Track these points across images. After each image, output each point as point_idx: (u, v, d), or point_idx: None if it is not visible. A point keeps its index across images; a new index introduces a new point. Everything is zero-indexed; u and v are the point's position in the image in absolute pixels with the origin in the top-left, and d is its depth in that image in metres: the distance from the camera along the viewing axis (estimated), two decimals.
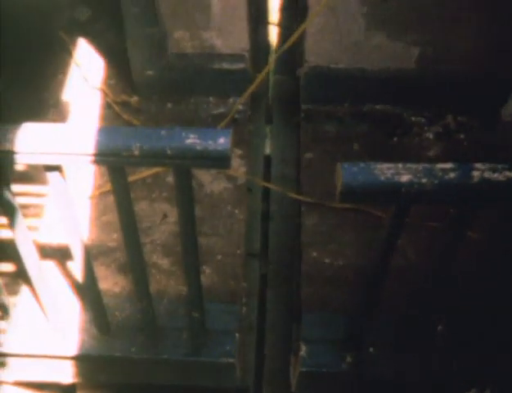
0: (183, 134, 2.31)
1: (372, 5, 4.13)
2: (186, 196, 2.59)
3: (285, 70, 5.11)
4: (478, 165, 2.36)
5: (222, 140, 2.27)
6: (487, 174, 2.32)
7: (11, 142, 2.42)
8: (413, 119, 4.68)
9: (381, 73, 4.48)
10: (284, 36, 5.30)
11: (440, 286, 2.90)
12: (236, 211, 4.23)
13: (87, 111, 4.76)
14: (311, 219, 4.16)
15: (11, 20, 5.06)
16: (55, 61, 5.11)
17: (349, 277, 3.83)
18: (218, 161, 2.33)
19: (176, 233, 3.86)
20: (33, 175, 4.14)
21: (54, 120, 4.69)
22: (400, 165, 2.36)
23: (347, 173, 2.31)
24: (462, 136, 4.62)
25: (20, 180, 4.07)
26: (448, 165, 2.36)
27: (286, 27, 5.35)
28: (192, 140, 2.29)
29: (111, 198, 2.72)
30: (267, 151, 4.83)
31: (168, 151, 2.32)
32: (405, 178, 2.29)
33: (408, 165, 2.36)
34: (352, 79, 4.52)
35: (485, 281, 3.56)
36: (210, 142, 2.28)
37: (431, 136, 4.61)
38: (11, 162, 2.50)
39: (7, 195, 2.69)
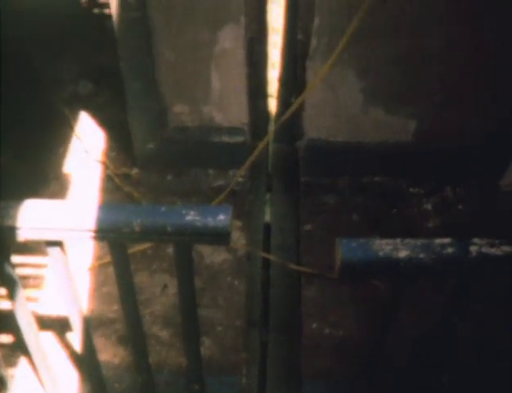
0: (183, 211, 2.33)
1: (370, 80, 4.19)
2: (186, 269, 2.60)
3: (284, 139, 5.15)
4: (476, 240, 2.37)
5: (221, 217, 2.29)
6: (484, 249, 2.33)
7: (14, 217, 2.43)
8: (412, 190, 4.72)
9: (379, 146, 4.53)
10: (283, 108, 5.37)
11: (439, 349, 2.90)
12: (236, 282, 4.24)
13: (88, 184, 4.80)
14: (310, 290, 4.17)
15: (13, 94, 5.15)
16: (56, 135, 5.18)
17: (349, 348, 3.82)
18: (218, 238, 2.34)
19: (175, 305, 3.85)
20: (33, 246, 4.15)
21: (55, 192, 4.74)
22: (398, 241, 2.37)
23: (346, 248, 2.32)
24: (461, 207, 4.65)
25: (20, 251, 4.09)
26: (446, 240, 2.37)
27: (285, 100, 5.43)
28: (192, 217, 2.31)
29: (111, 269, 2.73)
30: (267, 218, 4.85)
31: (169, 228, 2.34)
32: (403, 253, 2.30)
33: (406, 241, 2.37)
34: (350, 151, 4.58)
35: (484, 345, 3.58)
36: (210, 219, 2.29)
37: (430, 207, 4.64)
38: (13, 237, 2.52)
39: (8, 268, 2.69)
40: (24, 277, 4.08)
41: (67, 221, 2.44)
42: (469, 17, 3.89)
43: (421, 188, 4.72)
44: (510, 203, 4.61)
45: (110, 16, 4.18)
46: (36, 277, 4.24)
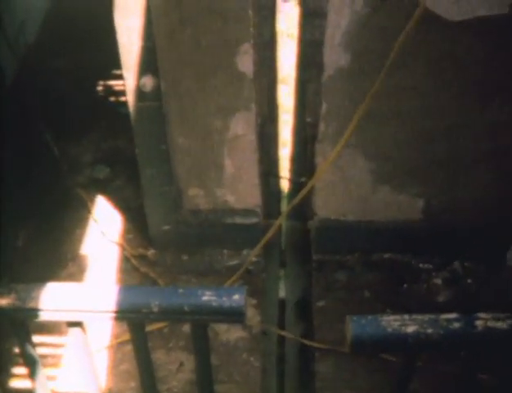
0: (199, 292, 2.45)
1: (377, 162, 4.34)
2: (202, 347, 2.69)
3: (296, 217, 5.26)
4: (482, 315, 2.45)
5: (236, 297, 2.40)
6: (490, 323, 2.41)
7: (36, 299, 2.55)
8: (421, 266, 4.80)
9: (388, 224, 4.64)
10: (294, 188, 5.51)
11: None
12: (252, 359, 4.31)
13: (105, 265, 4.93)
14: (324, 365, 4.24)
15: (32, 178, 5.33)
16: (74, 217, 5.32)
17: None
18: (233, 317, 2.45)
19: (192, 381, 3.94)
20: (51, 325, 4.25)
21: (72, 273, 4.86)
22: (406, 316, 2.46)
23: (356, 325, 2.41)
24: (470, 281, 4.73)
25: (39, 331, 4.18)
26: (452, 315, 2.46)
27: (296, 180, 5.56)
28: (208, 297, 2.42)
29: (129, 347, 2.82)
30: (281, 293, 4.94)
31: (186, 308, 2.44)
32: (411, 328, 2.39)
33: (414, 316, 2.46)
34: (360, 230, 4.69)
35: None
36: (225, 299, 2.40)
37: (439, 282, 4.72)
38: (35, 318, 2.63)
39: (29, 348, 2.79)
40: (43, 356, 4.16)
41: (88, 303, 2.55)
42: (476, 101, 4.05)
43: (430, 263, 4.80)
44: None
45: (124, 103, 4.36)
46: (53, 356, 4.32)
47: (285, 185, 5.64)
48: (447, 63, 3.89)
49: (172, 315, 2.52)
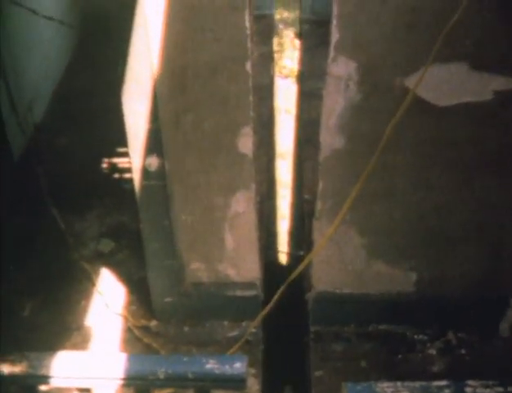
0: (203, 360, 2.62)
1: (371, 237, 4.53)
2: None
3: (295, 289, 5.36)
4: (471, 382, 2.61)
5: (237, 365, 2.58)
6: (479, 390, 2.57)
7: (47, 367, 2.72)
8: (416, 337, 4.94)
9: (383, 296, 4.80)
10: (293, 261, 5.67)
11: None
12: None
13: (109, 335, 5.06)
14: None
15: (39, 251, 5.52)
16: (79, 289, 5.48)
17: None
18: (234, 384, 2.62)
19: None
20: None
21: (77, 343, 4.99)
22: (399, 384, 2.62)
23: (351, 392, 2.58)
24: (463, 351, 4.86)
25: None
26: (443, 383, 2.62)
27: (295, 253, 5.73)
28: (211, 365, 2.60)
29: None
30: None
31: (190, 375, 2.62)
32: None
33: (406, 383, 2.62)
34: (356, 302, 4.84)
35: None
36: (227, 367, 2.58)
37: (434, 352, 4.85)
38: (46, 384, 2.80)
39: None
40: None
41: (97, 370, 2.73)
42: (463, 179, 4.28)
43: (425, 334, 4.94)
44: (509, 346, 4.83)
45: (129, 180, 4.55)
46: None
47: (283, 258, 5.80)
48: (436, 143, 4.13)
49: (177, 382, 2.69)
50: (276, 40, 8.76)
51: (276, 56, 8.35)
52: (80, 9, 8.67)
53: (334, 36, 3.76)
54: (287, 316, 5.39)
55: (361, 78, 3.88)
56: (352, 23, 3.74)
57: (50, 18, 7.04)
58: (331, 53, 3.83)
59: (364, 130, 4.05)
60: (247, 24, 3.79)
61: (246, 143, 4.17)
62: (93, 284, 5.49)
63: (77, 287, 5.49)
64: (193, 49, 3.86)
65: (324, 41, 4.01)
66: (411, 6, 3.64)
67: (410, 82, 3.84)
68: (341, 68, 3.85)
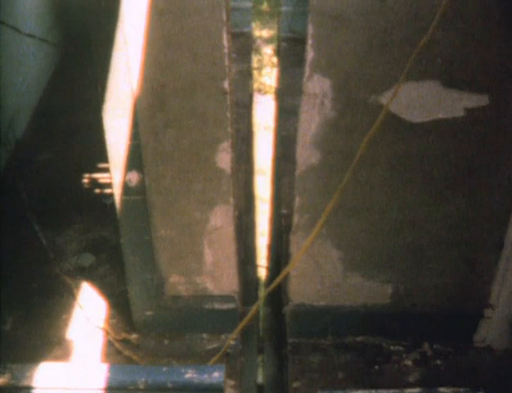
0: (182, 370, 2.71)
1: (347, 250, 4.62)
2: None
3: (273, 303, 5.46)
4: (443, 389, 2.72)
5: (216, 374, 2.66)
6: None
7: (30, 378, 2.79)
8: (392, 348, 5.03)
9: (359, 308, 4.90)
10: (270, 275, 5.75)
11: None
12: None
13: (90, 348, 5.12)
14: None
15: (18, 266, 5.56)
16: (59, 303, 5.53)
17: None
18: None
19: None
20: None
21: (58, 356, 5.03)
22: (373, 391, 2.72)
23: None
24: (439, 362, 4.96)
25: None
26: (416, 390, 2.72)
27: (273, 267, 5.81)
28: (190, 375, 2.68)
29: None
30: (260, 379, 5.10)
31: (169, 385, 2.70)
32: None
33: (380, 390, 2.73)
34: (333, 314, 4.93)
35: None
36: (206, 376, 2.66)
37: (410, 363, 4.94)
38: None
39: None
40: None
41: (79, 381, 2.80)
42: (437, 195, 4.38)
43: (401, 345, 5.04)
44: (482, 358, 4.93)
45: (109, 195, 4.62)
46: None
47: (261, 272, 5.87)
48: (410, 159, 4.23)
49: (156, 392, 2.76)
50: (255, 57, 8.88)
51: (255, 72, 8.46)
52: (62, 27, 8.75)
53: (310, 55, 3.87)
54: (265, 328, 5.47)
55: (335, 95, 3.98)
56: (326, 42, 3.84)
57: (32, 36, 7.11)
58: (306, 71, 3.93)
59: (339, 146, 4.15)
60: (225, 42, 3.88)
61: (224, 159, 4.26)
62: (74, 298, 5.53)
63: (58, 301, 5.53)
64: (172, 67, 3.95)
65: (301, 59, 4.10)
66: (383, 27, 3.75)
67: (384, 99, 3.96)
68: (316, 86, 3.96)
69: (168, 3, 3.74)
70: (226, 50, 3.91)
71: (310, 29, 3.81)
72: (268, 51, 9.51)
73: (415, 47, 3.60)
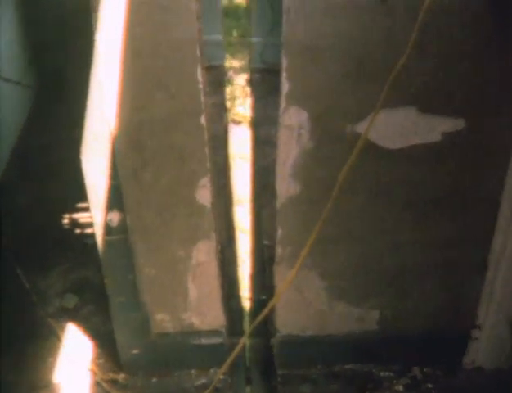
0: None
1: (331, 280, 4.62)
2: None
3: (259, 334, 5.42)
4: None
5: None
6: None
7: None
8: (382, 374, 5.02)
9: (347, 336, 4.89)
10: (256, 306, 5.72)
11: None
12: None
13: (78, 390, 5.06)
14: None
15: (4, 313, 5.51)
16: (45, 346, 5.47)
17: None
18: None
19: None
20: None
21: None
22: None
23: None
24: (429, 385, 4.97)
25: None
26: None
27: (257, 298, 5.79)
28: None
29: None
30: None
31: None
32: None
33: None
34: (321, 343, 4.92)
35: None
36: None
37: (401, 388, 4.94)
38: None
39: None
40: None
41: None
42: (419, 219, 4.41)
43: (391, 371, 5.04)
44: (473, 379, 4.94)
45: (90, 234, 4.60)
46: None
47: (246, 304, 5.85)
48: (389, 185, 4.26)
49: None
50: (227, 88, 8.91)
51: (228, 103, 8.49)
52: (36, 69, 8.77)
53: (285, 87, 3.89)
54: (252, 359, 5.44)
55: (312, 126, 4.00)
56: (301, 74, 3.87)
57: (7, 79, 7.11)
58: (282, 104, 3.95)
59: (318, 176, 4.17)
60: (199, 78, 3.90)
61: (204, 195, 4.26)
62: (59, 340, 5.48)
63: (43, 344, 5.48)
64: (147, 106, 3.96)
65: (274, 89, 4.12)
66: (357, 57, 3.78)
67: (361, 128, 3.98)
68: (293, 118, 3.98)
69: (142, 44, 3.75)
70: (201, 85, 3.92)
71: (284, 62, 3.83)
72: (240, 81, 9.53)
73: (389, 74, 3.62)
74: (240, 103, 8.95)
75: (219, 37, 8.07)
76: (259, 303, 5.59)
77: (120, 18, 3.70)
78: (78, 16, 5.52)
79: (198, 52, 3.82)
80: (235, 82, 9.45)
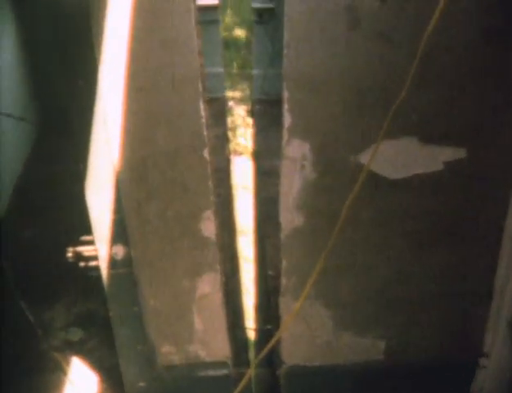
0: None
1: (337, 309, 4.63)
2: None
3: (265, 365, 5.42)
4: None
5: None
6: None
7: None
8: None
9: (353, 366, 4.88)
10: (261, 336, 5.73)
11: None
12: None
13: None
14: None
15: (9, 347, 5.52)
16: (50, 380, 5.49)
17: None
18: None
19: None
20: None
21: None
22: None
23: None
24: None
25: None
26: None
27: (262, 328, 5.79)
28: None
29: None
30: None
31: None
32: None
33: None
34: (327, 373, 4.92)
35: None
36: None
37: None
38: None
39: None
40: None
41: None
42: (421, 249, 4.42)
43: None
44: None
45: (94, 267, 4.62)
46: None
47: (251, 334, 5.86)
48: (393, 215, 4.28)
49: None
50: (229, 119, 8.97)
51: (229, 134, 8.54)
52: (38, 104, 8.84)
53: (287, 120, 3.92)
54: (258, 389, 5.44)
55: (315, 157, 4.04)
56: (303, 106, 3.90)
57: (9, 115, 7.17)
58: (285, 136, 3.98)
59: (322, 207, 4.19)
60: (202, 113, 3.94)
61: (209, 227, 4.28)
62: (64, 374, 5.49)
63: (48, 378, 5.49)
64: (151, 141, 4.00)
65: (275, 120, 4.16)
66: (358, 89, 3.82)
67: (364, 158, 4.01)
68: (295, 150, 4.01)
69: (144, 80, 3.79)
70: (203, 120, 3.96)
71: (285, 94, 3.87)
72: (241, 112, 9.60)
73: (390, 105, 3.64)
74: (241, 134, 9.01)
75: (220, 69, 8.12)
76: (264, 333, 5.60)
77: (123, 53, 3.74)
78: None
79: (200, 87, 3.86)
80: (236, 112, 9.52)
